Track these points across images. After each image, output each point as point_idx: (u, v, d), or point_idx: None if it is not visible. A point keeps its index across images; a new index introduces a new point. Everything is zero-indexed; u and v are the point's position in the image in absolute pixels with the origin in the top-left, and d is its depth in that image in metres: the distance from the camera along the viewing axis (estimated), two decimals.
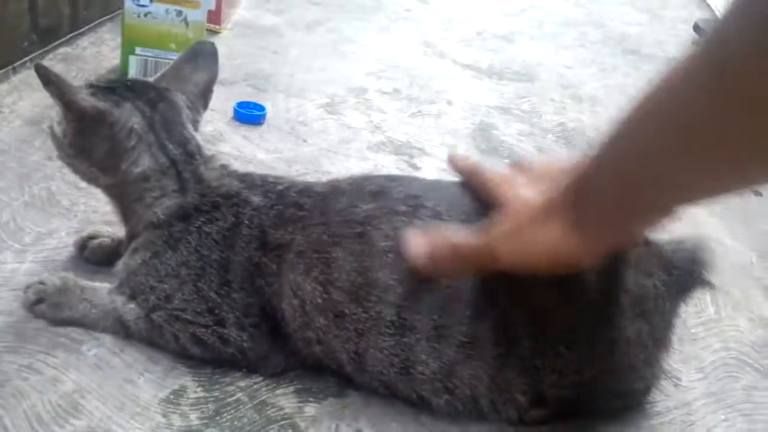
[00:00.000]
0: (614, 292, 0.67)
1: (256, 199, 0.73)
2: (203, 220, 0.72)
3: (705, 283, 0.74)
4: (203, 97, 0.80)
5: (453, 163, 0.74)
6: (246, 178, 0.76)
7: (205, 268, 0.70)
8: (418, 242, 0.65)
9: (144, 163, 0.73)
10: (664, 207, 0.55)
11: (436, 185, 0.73)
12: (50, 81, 0.69)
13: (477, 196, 0.69)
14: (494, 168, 0.71)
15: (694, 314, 0.92)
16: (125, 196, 0.75)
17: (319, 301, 0.68)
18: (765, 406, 0.80)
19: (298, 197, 0.72)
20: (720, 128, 0.45)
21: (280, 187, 0.74)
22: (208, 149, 0.78)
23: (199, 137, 0.77)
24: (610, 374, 0.69)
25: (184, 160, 0.74)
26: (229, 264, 0.70)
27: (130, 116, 0.73)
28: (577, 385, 0.68)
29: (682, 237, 0.76)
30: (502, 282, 0.65)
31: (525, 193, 0.63)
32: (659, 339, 0.71)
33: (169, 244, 0.72)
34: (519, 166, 0.69)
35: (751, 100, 0.42)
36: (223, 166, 0.77)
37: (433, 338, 0.66)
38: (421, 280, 0.66)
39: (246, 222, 0.71)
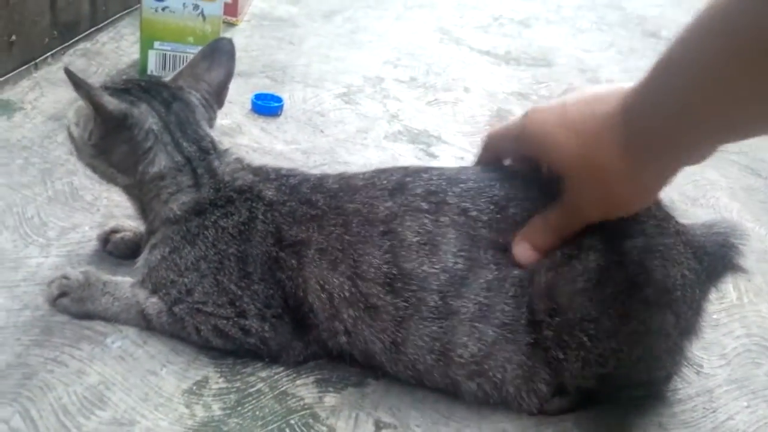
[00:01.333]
0: (639, 284, 0.66)
1: (269, 194, 0.73)
2: (218, 214, 0.73)
3: (737, 268, 0.73)
4: (218, 94, 0.81)
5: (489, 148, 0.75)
6: (260, 172, 0.77)
7: (224, 262, 0.71)
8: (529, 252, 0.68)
9: (160, 162, 0.74)
10: (712, 135, 0.57)
11: (453, 178, 0.73)
12: (80, 84, 0.70)
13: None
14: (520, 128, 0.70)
15: (716, 300, 0.92)
16: (143, 195, 0.76)
17: (347, 294, 0.69)
18: None
19: (311, 194, 0.73)
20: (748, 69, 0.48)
21: (293, 181, 0.75)
22: (223, 143, 0.79)
23: (213, 134, 0.78)
24: (632, 365, 0.69)
25: (199, 156, 0.75)
26: (247, 257, 0.71)
27: (147, 117, 0.74)
28: (600, 376, 0.68)
29: (713, 221, 0.75)
30: (537, 267, 0.67)
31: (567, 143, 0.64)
32: (686, 327, 0.71)
33: (187, 239, 0.73)
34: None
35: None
36: (238, 160, 0.77)
37: (477, 318, 0.67)
38: (471, 265, 0.67)
39: (260, 217, 0.72)
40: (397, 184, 0.72)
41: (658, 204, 0.71)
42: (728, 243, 0.73)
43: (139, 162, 0.74)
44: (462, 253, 0.68)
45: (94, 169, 0.77)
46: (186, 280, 0.72)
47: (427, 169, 0.74)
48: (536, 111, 0.67)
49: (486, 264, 0.68)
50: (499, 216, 0.69)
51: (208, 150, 0.76)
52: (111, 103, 0.72)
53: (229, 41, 0.83)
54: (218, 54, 0.81)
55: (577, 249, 0.67)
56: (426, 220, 0.69)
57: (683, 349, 0.72)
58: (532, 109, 0.68)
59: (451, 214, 0.69)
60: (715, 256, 0.72)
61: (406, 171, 0.74)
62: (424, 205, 0.69)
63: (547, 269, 0.67)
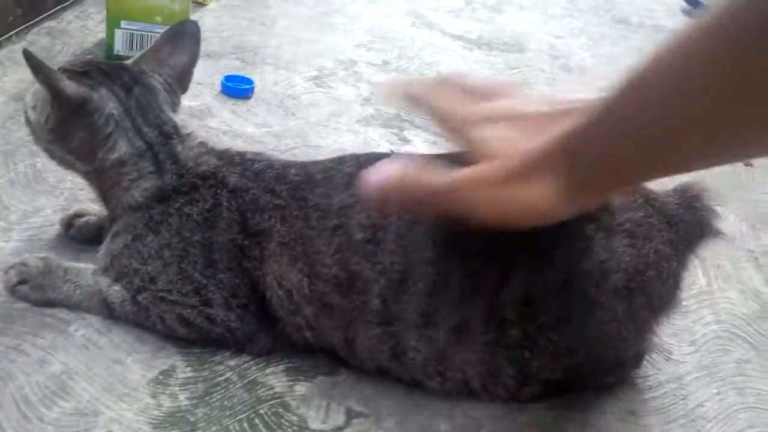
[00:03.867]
0: (607, 271, 0.65)
1: (233, 180, 0.71)
2: (182, 201, 0.71)
3: (715, 232, 0.71)
4: (182, 79, 0.78)
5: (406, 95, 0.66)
6: (224, 155, 0.74)
7: (188, 249, 0.70)
8: (386, 170, 0.58)
9: (121, 149, 0.72)
10: (664, 171, 0.54)
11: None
12: (38, 68, 0.68)
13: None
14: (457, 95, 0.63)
15: (686, 287, 0.92)
16: (103, 182, 0.74)
17: (306, 291, 0.68)
18: (756, 379, 0.80)
19: (275, 183, 0.71)
20: (731, 103, 0.44)
21: (257, 167, 0.73)
22: (187, 126, 0.76)
23: (176, 118, 0.75)
24: (601, 351, 0.69)
25: (160, 142, 0.73)
26: (212, 245, 0.70)
27: (107, 102, 0.72)
28: (569, 367, 0.68)
29: (684, 185, 0.72)
30: (489, 268, 0.65)
31: (507, 136, 0.57)
32: (659, 305, 0.69)
33: (150, 227, 0.71)
34: (474, 89, 0.63)
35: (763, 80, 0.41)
36: (202, 144, 0.75)
37: (422, 325, 0.66)
38: (407, 269, 0.65)
39: (225, 204, 0.70)
40: (351, 176, 0.68)
41: None
42: (704, 206, 0.71)
43: (98, 148, 0.72)
44: (399, 254, 0.65)
45: (52, 155, 0.75)
46: (149, 268, 0.70)
47: (379, 155, 0.71)
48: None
49: (425, 265, 0.65)
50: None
51: (170, 135, 0.73)
52: (70, 87, 0.69)
53: (195, 24, 0.80)
54: (182, 37, 0.79)
55: (544, 247, 0.64)
56: (374, 213, 0.66)
57: (654, 326, 0.71)
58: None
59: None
60: (690, 222, 0.70)
61: (359, 160, 0.71)
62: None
63: (521, 275, 0.65)
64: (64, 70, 0.73)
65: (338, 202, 0.67)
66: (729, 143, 0.48)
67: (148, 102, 0.74)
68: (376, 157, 0.70)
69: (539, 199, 0.55)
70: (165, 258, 0.70)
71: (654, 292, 0.68)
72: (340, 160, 0.72)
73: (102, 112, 0.71)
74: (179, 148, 0.73)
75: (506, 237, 0.61)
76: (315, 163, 0.74)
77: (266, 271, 0.69)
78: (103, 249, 0.74)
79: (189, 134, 0.75)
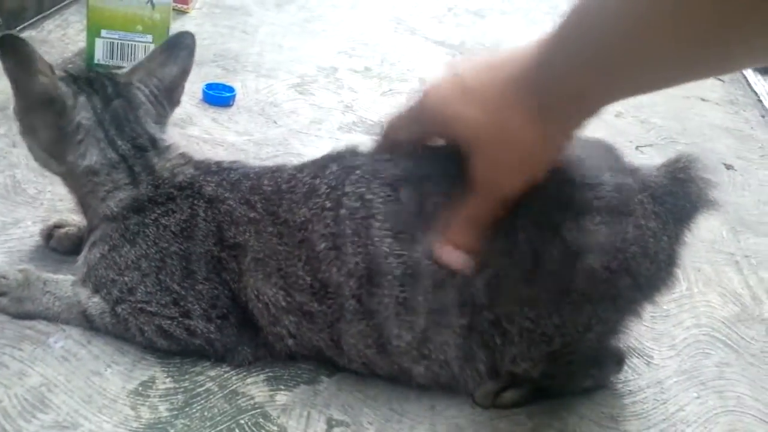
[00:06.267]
0: (578, 251, 0.64)
1: (209, 190, 0.71)
2: (159, 212, 0.71)
3: (709, 203, 0.69)
4: (170, 91, 0.78)
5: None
6: (201, 165, 0.74)
7: (166, 260, 0.70)
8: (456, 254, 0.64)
9: (92, 157, 0.72)
10: (624, 92, 0.57)
11: (349, 167, 0.69)
12: (19, 46, 0.69)
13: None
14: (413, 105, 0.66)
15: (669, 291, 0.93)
16: (78, 188, 0.74)
17: (284, 304, 0.68)
18: (737, 383, 0.81)
19: (250, 194, 0.70)
20: (667, 17, 0.46)
21: (233, 176, 0.72)
22: (167, 139, 0.76)
23: (154, 130, 0.75)
24: (579, 337, 0.67)
25: (134, 154, 0.73)
26: (190, 255, 0.70)
27: (81, 110, 0.72)
28: (548, 355, 0.67)
29: (672, 159, 0.71)
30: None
31: (472, 115, 0.61)
32: (648, 284, 0.68)
33: (126, 238, 0.71)
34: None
35: None
36: (182, 155, 0.75)
37: (401, 313, 0.66)
38: (373, 264, 0.65)
39: (202, 215, 0.70)
40: (309, 186, 0.69)
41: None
42: (695, 177, 0.69)
43: (68, 152, 0.72)
44: (360, 253, 0.66)
45: (29, 147, 0.75)
46: (127, 279, 0.70)
47: (327, 164, 0.70)
48: (432, 88, 0.64)
49: (388, 257, 0.65)
50: (391, 199, 0.66)
51: (144, 147, 0.73)
52: (43, 78, 0.70)
53: (191, 36, 0.79)
54: (176, 49, 0.78)
55: (510, 232, 0.64)
56: (329, 220, 0.66)
57: (643, 307, 0.70)
58: (427, 87, 0.64)
59: (349, 204, 0.66)
60: (680, 195, 0.68)
61: (315, 168, 0.71)
62: (328, 204, 0.67)
63: (490, 259, 0.65)
64: (63, 71, 0.74)
65: (300, 217, 0.68)
66: (668, 62, 0.50)
67: (126, 115, 0.73)
68: (331, 158, 0.71)
69: (518, 124, 0.58)
70: (142, 269, 0.70)
71: (640, 271, 0.66)
72: (301, 168, 0.72)
73: (72, 119, 0.72)
74: (155, 159, 0.73)
75: None
76: (281, 169, 0.73)
77: (245, 284, 0.69)
78: (80, 259, 0.74)
79: (168, 146, 0.75)
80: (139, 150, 0.73)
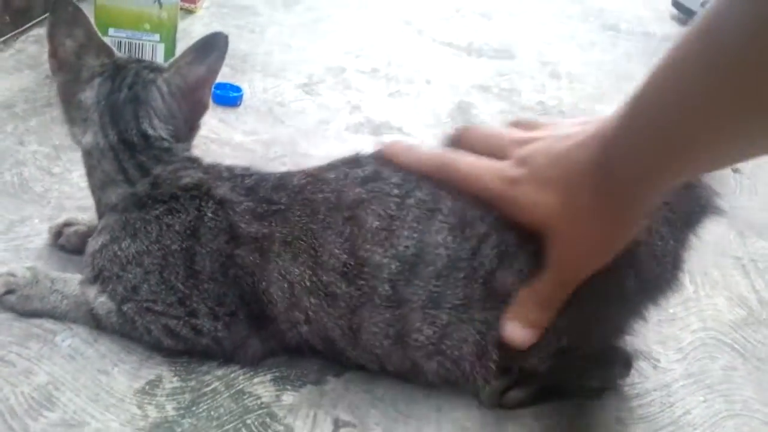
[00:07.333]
0: None
1: (221, 192, 0.71)
2: (161, 210, 0.71)
3: (715, 210, 0.70)
4: (192, 90, 0.76)
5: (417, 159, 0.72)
6: (210, 170, 0.74)
7: (168, 258, 0.69)
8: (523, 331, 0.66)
9: (88, 137, 0.73)
10: (681, 176, 0.59)
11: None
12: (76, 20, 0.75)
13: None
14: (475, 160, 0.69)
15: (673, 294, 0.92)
16: (86, 168, 0.76)
17: (308, 284, 0.68)
18: (743, 386, 0.80)
19: (272, 192, 0.71)
20: (725, 101, 0.47)
21: (248, 182, 0.72)
22: (169, 141, 0.74)
23: (154, 130, 0.73)
24: (586, 333, 0.68)
25: (122, 149, 0.72)
26: (194, 255, 0.69)
27: (88, 89, 0.73)
28: (556, 351, 0.68)
29: None
30: (489, 247, 0.66)
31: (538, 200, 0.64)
32: (652, 285, 0.69)
33: (127, 231, 0.71)
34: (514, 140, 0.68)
35: (747, 77, 0.46)
36: (189, 159, 0.74)
37: (429, 306, 0.66)
38: (420, 252, 0.66)
39: (210, 215, 0.70)
40: (372, 172, 0.70)
41: None
42: (702, 184, 0.70)
43: (76, 125, 0.75)
44: (414, 238, 0.67)
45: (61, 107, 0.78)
46: (130, 275, 0.70)
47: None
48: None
49: (437, 248, 0.66)
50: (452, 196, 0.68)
51: (132, 144, 0.72)
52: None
53: (224, 38, 0.77)
54: (205, 49, 0.76)
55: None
56: (392, 204, 0.67)
57: (647, 308, 0.71)
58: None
59: (419, 196, 0.68)
60: (688, 201, 0.69)
61: (380, 161, 0.72)
62: (395, 191, 0.68)
63: (516, 256, 0.66)
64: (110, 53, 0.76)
65: (352, 195, 0.68)
66: (731, 144, 0.51)
67: (126, 106, 0.73)
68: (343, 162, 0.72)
69: (594, 210, 0.61)
70: (145, 265, 0.70)
71: (647, 273, 0.67)
72: (358, 160, 0.73)
73: (78, 94, 0.74)
74: (150, 163, 0.72)
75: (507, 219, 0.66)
76: (323, 166, 0.74)
77: (271, 270, 0.69)
78: (88, 243, 0.74)
79: (169, 148, 0.74)
80: (127, 145, 0.72)
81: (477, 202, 0.67)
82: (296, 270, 0.68)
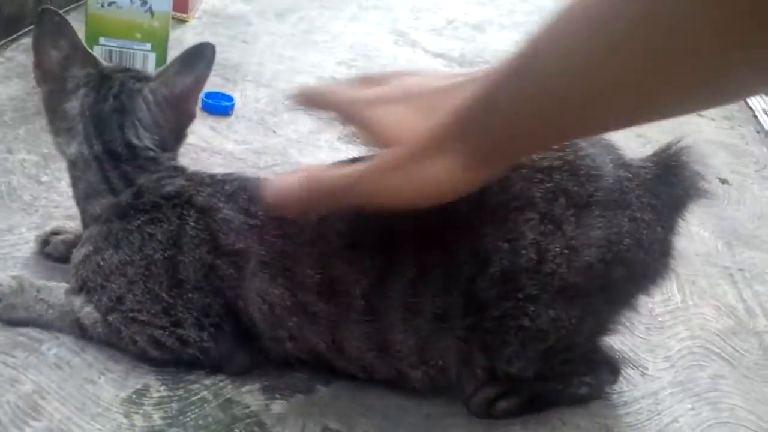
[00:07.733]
0: (576, 248, 0.63)
1: (201, 200, 0.71)
2: (143, 219, 0.70)
3: (699, 192, 0.69)
4: (180, 100, 0.76)
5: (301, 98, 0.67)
6: (193, 177, 0.74)
7: (151, 268, 0.69)
8: (285, 179, 0.59)
9: (71, 148, 0.73)
10: (567, 136, 0.54)
11: None
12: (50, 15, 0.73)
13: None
14: (345, 88, 0.63)
15: (661, 303, 0.93)
16: (70, 179, 0.76)
17: (288, 303, 0.67)
18: (730, 395, 0.81)
19: (248, 204, 0.70)
20: (618, 68, 0.43)
21: (229, 188, 0.72)
22: (154, 150, 0.73)
23: (139, 140, 0.73)
24: (574, 331, 0.67)
25: (107, 159, 0.72)
26: (177, 264, 0.69)
27: (72, 99, 0.73)
28: (543, 353, 0.67)
29: (662, 149, 0.71)
30: (467, 254, 0.64)
31: (402, 118, 0.56)
32: (642, 275, 0.68)
33: (109, 241, 0.71)
34: (373, 79, 0.61)
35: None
36: (174, 168, 0.74)
37: (407, 317, 0.66)
38: (388, 265, 0.65)
39: (192, 224, 0.70)
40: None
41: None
42: (686, 166, 0.69)
43: (60, 135, 0.75)
44: (379, 253, 0.66)
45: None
46: (114, 285, 0.70)
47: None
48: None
49: (405, 261, 0.65)
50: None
51: (117, 154, 0.72)
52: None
53: (211, 48, 0.77)
54: (192, 59, 0.76)
55: (517, 229, 0.64)
56: (350, 218, 0.66)
57: (637, 298, 0.70)
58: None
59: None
60: (673, 183, 0.68)
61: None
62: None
63: (497, 258, 0.64)
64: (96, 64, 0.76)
65: (315, 215, 0.67)
66: (621, 108, 0.46)
67: (110, 118, 0.73)
68: None
69: (443, 176, 0.53)
70: (129, 276, 0.69)
71: (635, 262, 0.66)
72: None
73: (63, 104, 0.74)
74: (134, 173, 0.72)
75: (482, 221, 0.64)
76: None
77: (248, 288, 0.68)
78: (74, 252, 0.74)
79: (154, 158, 0.73)
80: (111, 156, 0.72)
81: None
82: (276, 291, 0.68)
